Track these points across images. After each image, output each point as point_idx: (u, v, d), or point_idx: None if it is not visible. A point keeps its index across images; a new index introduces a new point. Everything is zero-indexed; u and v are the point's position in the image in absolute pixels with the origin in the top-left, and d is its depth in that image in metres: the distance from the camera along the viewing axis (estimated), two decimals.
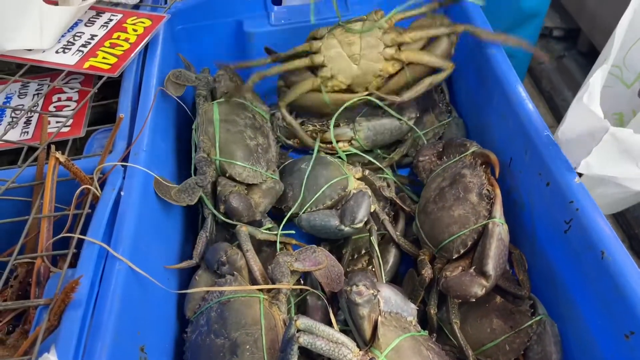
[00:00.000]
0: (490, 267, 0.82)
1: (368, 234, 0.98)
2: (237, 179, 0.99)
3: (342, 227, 0.94)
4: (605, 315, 0.73)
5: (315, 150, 1.13)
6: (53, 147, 0.84)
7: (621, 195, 0.89)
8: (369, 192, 0.98)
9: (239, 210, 0.93)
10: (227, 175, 0.99)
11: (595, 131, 0.76)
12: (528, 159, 0.89)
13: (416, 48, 1.09)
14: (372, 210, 0.97)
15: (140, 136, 0.88)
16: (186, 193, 0.91)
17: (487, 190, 0.92)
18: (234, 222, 0.94)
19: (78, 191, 0.81)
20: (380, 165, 1.12)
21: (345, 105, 1.14)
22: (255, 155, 1.02)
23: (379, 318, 0.75)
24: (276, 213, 1.06)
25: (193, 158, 1.00)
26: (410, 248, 0.98)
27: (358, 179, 1.06)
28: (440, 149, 1.08)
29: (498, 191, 0.91)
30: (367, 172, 1.07)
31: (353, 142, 1.16)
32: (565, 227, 0.79)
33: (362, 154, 1.16)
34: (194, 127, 1.05)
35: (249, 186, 1.00)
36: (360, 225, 0.94)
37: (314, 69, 1.12)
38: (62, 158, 0.81)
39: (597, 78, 0.78)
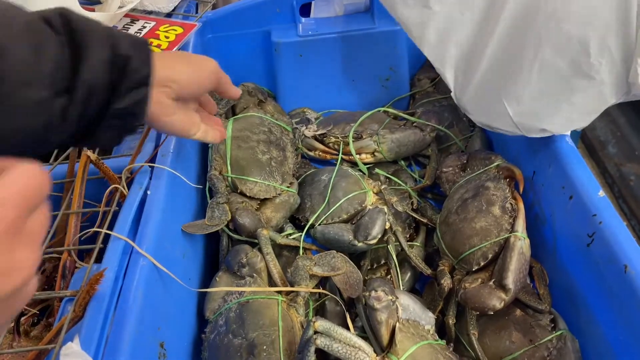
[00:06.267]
0: (510, 280, 0.82)
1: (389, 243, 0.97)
2: (248, 194, 0.98)
3: (355, 242, 0.93)
4: (626, 331, 0.72)
5: (338, 163, 1.14)
6: None
7: None
8: (385, 208, 0.97)
9: (246, 227, 0.92)
10: (238, 191, 0.99)
11: None
12: (551, 173, 0.89)
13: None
14: (387, 227, 0.96)
15: (167, 138, 0.91)
16: (217, 214, 0.92)
17: (510, 203, 0.91)
18: (245, 239, 0.95)
19: (108, 190, 0.84)
20: (401, 182, 1.12)
21: (362, 118, 1.16)
22: (268, 169, 1.02)
23: (397, 324, 0.75)
24: (293, 222, 1.07)
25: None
26: (420, 263, 0.96)
27: (376, 194, 1.06)
28: (465, 161, 1.08)
29: (521, 205, 0.91)
30: (383, 186, 1.06)
31: (376, 153, 1.17)
32: (588, 240, 0.78)
33: (382, 172, 1.15)
34: (210, 145, 1.06)
35: (262, 201, 1.00)
36: (374, 241, 0.93)
37: None
38: (93, 156, 0.84)
39: None
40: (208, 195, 1.00)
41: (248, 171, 1.00)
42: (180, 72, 0.67)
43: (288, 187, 1.04)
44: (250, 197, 0.99)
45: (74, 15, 0.53)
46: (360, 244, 0.93)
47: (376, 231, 0.93)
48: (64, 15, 0.53)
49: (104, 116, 0.57)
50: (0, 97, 0.47)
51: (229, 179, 0.99)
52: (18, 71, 0.47)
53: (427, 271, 0.96)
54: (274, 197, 1.01)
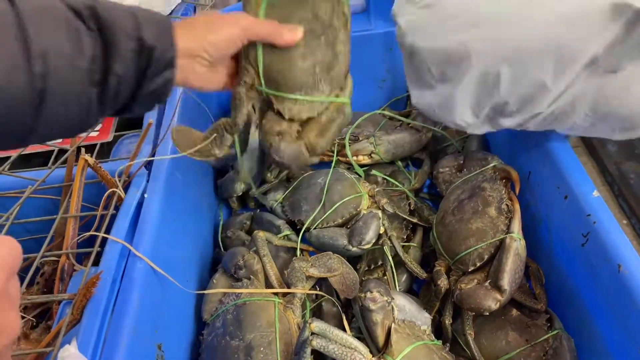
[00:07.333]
0: (506, 281, 0.82)
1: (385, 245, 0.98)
2: (288, 116, 0.78)
3: (350, 247, 0.93)
4: (621, 330, 0.72)
5: (333, 165, 1.14)
6: (83, 149, 0.87)
7: None
8: (380, 213, 0.97)
9: (285, 162, 0.79)
10: (275, 110, 0.79)
11: None
12: (547, 173, 0.89)
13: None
14: (381, 232, 0.96)
15: (164, 139, 0.91)
16: (213, 142, 0.80)
17: (507, 204, 0.92)
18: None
19: (107, 193, 0.85)
20: (398, 184, 1.13)
21: (359, 120, 1.16)
22: (312, 79, 0.78)
23: (393, 325, 0.75)
24: (290, 225, 1.07)
25: None
26: (415, 267, 0.96)
27: (372, 197, 1.05)
28: (461, 162, 1.08)
29: (517, 206, 0.91)
30: (377, 189, 1.05)
31: (373, 155, 1.18)
32: (583, 240, 0.79)
33: (379, 174, 1.16)
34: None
35: (304, 122, 0.80)
36: (368, 246, 0.93)
37: None
38: (90, 160, 0.85)
39: None
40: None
41: (285, 86, 0.77)
42: (209, 41, 0.69)
43: (337, 95, 0.81)
44: (290, 120, 0.79)
45: (100, 6, 0.57)
46: (354, 249, 0.93)
47: (370, 236, 0.93)
48: (91, 8, 0.57)
49: (136, 97, 0.63)
50: (47, 94, 0.52)
51: (264, 93, 0.79)
52: (61, 70, 0.53)
53: (423, 275, 0.96)
54: (320, 115, 0.80)
